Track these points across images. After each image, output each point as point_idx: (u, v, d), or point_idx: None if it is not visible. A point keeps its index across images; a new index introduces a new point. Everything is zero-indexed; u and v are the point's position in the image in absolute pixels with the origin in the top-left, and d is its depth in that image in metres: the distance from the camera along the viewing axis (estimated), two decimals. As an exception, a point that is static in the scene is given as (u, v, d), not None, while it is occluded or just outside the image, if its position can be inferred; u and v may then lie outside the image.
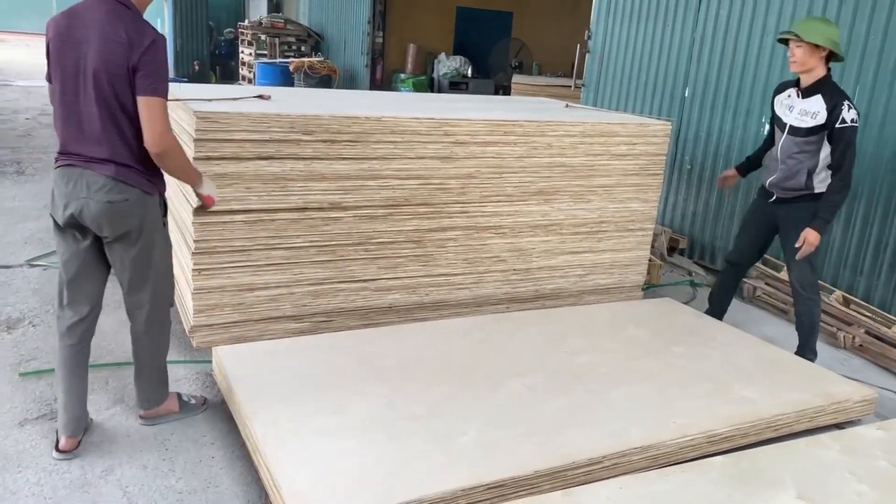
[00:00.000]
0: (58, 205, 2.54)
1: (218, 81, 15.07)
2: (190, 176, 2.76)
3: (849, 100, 3.56)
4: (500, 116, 3.95)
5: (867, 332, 4.24)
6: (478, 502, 2.39)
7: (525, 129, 3.94)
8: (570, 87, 9.20)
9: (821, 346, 4.22)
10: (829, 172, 3.64)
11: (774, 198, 3.83)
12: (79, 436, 2.70)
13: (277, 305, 3.58)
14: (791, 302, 4.56)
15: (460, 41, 13.05)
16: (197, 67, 15.38)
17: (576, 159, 4.14)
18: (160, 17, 16.56)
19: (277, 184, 3.40)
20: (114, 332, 3.59)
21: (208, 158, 3.22)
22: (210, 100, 3.56)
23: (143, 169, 2.52)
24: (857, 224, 4.51)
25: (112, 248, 2.58)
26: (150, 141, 2.43)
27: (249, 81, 12.92)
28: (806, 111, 3.62)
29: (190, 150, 3.23)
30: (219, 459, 2.74)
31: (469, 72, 12.19)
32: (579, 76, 7.43)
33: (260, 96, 3.88)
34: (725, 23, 5.37)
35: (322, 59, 12.39)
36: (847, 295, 4.48)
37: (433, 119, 3.69)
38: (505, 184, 3.97)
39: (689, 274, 5.41)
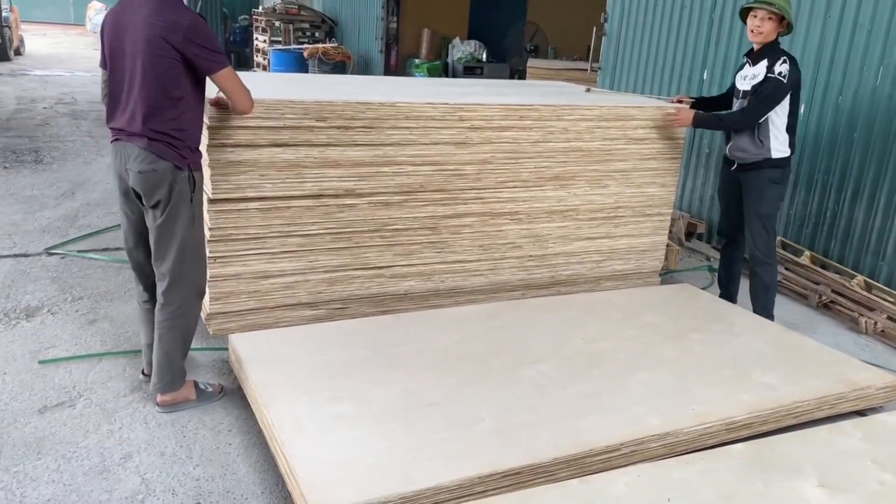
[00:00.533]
0: (114, 177, 2.84)
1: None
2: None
3: (789, 58, 3.70)
4: (515, 101, 3.91)
5: (889, 318, 4.17)
6: (495, 489, 2.38)
7: (540, 114, 3.90)
8: (587, 70, 9.10)
9: (842, 332, 4.18)
10: (787, 136, 3.79)
11: (735, 165, 3.96)
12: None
13: (293, 293, 3.58)
14: (811, 287, 4.51)
15: (475, 25, 12.94)
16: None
17: (592, 144, 4.09)
18: (175, 4, 16.58)
19: (292, 171, 3.39)
20: (132, 319, 3.60)
21: (223, 146, 3.22)
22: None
23: (174, 143, 2.67)
24: (879, 209, 4.43)
25: (147, 215, 2.78)
26: (241, 108, 2.83)
27: (264, 68, 12.91)
28: (754, 75, 3.79)
29: (204, 138, 3.23)
30: (236, 446, 2.75)
31: (484, 56, 12.11)
32: (595, 59, 7.33)
33: None
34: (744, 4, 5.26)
35: (336, 44, 12.35)
36: (869, 280, 4.41)
37: (448, 104, 3.65)
38: (521, 169, 3.94)
39: (708, 259, 5.35)
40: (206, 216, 3.31)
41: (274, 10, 13.63)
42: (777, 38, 3.79)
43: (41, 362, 3.24)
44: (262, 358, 3.03)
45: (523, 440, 2.56)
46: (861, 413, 3.20)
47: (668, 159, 4.37)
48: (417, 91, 4.31)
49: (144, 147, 2.65)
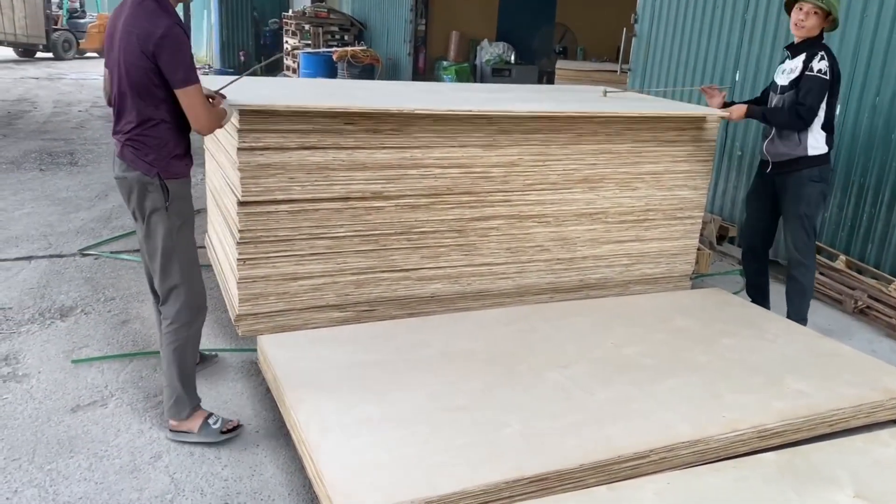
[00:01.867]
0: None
1: (262, 72, 15.22)
2: (222, 122, 2.81)
3: (828, 53, 3.60)
4: (544, 108, 3.88)
5: (929, 324, 4.07)
6: (521, 495, 2.36)
7: (570, 116, 3.86)
8: (616, 72, 9.03)
9: (879, 339, 4.08)
10: (823, 134, 3.69)
11: (770, 167, 3.87)
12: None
13: (321, 294, 3.59)
14: (847, 292, 4.42)
15: (503, 27, 12.90)
16: (242, 58, 15.58)
17: (622, 146, 4.05)
18: (206, 8, 16.80)
19: (321, 173, 3.41)
20: (162, 320, 3.65)
21: (252, 149, 3.24)
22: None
23: (144, 151, 2.58)
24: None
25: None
26: (196, 128, 2.62)
27: (294, 72, 13.02)
28: (793, 69, 3.70)
29: (234, 141, 3.26)
30: (263, 447, 2.77)
31: (512, 58, 12.06)
32: (625, 61, 7.27)
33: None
34: (778, 3, 5.17)
35: (365, 47, 12.40)
36: (907, 284, 4.30)
37: (476, 109, 3.64)
38: (549, 171, 3.91)
39: (740, 263, 5.26)
40: (235, 218, 3.34)
41: (304, 13, 13.72)
42: (821, 33, 3.68)
43: (74, 362, 3.30)
44: (290, 360, 3.05)
45: (550, 445, 2.54)
46: (898, 422, 3.13)
47: (700, 162, 4.31)
48: (445, 98, 4.30)
49: (118, 154, 2.64)
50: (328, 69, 11.69)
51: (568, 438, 2.59)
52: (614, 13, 10.09)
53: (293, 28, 13.43)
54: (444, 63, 12.18)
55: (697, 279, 4.76)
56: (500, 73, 11.68)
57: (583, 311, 3.80)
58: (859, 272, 4.57)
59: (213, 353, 3.41)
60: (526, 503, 2.25)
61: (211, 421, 2.78)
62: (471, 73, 11.98)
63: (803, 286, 3.88)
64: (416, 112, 3.47)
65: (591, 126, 3.93)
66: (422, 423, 2.64)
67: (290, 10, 14.74)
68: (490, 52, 12.02)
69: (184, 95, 2.52)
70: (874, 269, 4.54)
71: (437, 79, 11.65)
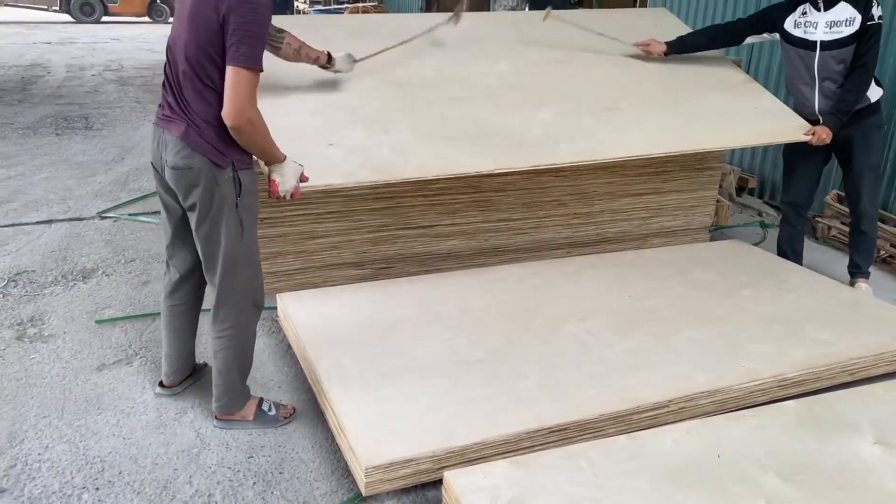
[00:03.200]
0: (152, 164, 2.46)
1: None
2: (269, 156, 2.35)
3: None
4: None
5: (953, 273, 4.02)
6: (541, 444, 2.39)
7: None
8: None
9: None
10: (873, 77, 3.52)
11: (822, 122, 3.62)
12: (178, 381, 2.81)
13: (338, 252, 3.61)
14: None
15: (517, -21, 12.63)
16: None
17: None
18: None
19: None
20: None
21: (265, 106, 3.23)
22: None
23: (215, 137, 2.24)
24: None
25: (189, 216, 2.41)
26: (226, 112, 2.16)
27: (305, 30, 12.88)
28: (836, 21, 3.46)
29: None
30: (286, 402, 2.81)
31: (526, 9, 11.82)
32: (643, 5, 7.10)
33: None
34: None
35: (376, 3, 12.22)
36: (931, 233, 4.24)
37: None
38: (565, 124, 3.86)
39: (760, 214, 5.21)
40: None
41: (314, -30, 13.54)
42: None
43: (98, 322, 3.35)
44: (309, 316, 3.08)
45: (569, 396, 2.55)
46: (920, 370, 3.11)
47: (719, 111, 4.23)
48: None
49: (180, 137, 2.25)
50: (340, 27, 11.55)
51: (587, 389, 2.60)
52: (631, -39, 9.80)
53: (303, -15, 13.25)
54: (457, 17, 11.98)
55: (716, 231, 4.72)
56: (514, 27, 11.48)
57: (601, 265, 3.79)
58: (883, 221, 4.50)
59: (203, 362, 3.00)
60: (546, 452, 2.27)
61: (265, 407, 2.65)
62: (484, 27, 11.79)
63: (873, 239, 3.81)
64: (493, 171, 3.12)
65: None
66: (441, 375, 2.66)
67: (300, -33, 14.52)
68: (504, 4, 11.79)
69: (231, 74, 2.13)
70: (897, 218, 4.47)
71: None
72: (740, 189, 5.46)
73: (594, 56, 3.69)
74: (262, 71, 2.17)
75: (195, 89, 2.23)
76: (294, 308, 3.14)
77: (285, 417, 2.67)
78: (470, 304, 3.24)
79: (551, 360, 2.79)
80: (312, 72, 3.09)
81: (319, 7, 12.55)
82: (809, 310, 3.32)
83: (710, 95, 3.57)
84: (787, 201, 3.97)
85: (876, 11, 3.40)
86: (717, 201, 4.62)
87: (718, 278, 3.64)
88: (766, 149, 5.43)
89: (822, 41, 3.51)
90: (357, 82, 3.09)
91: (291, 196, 2.44)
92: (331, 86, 3.15)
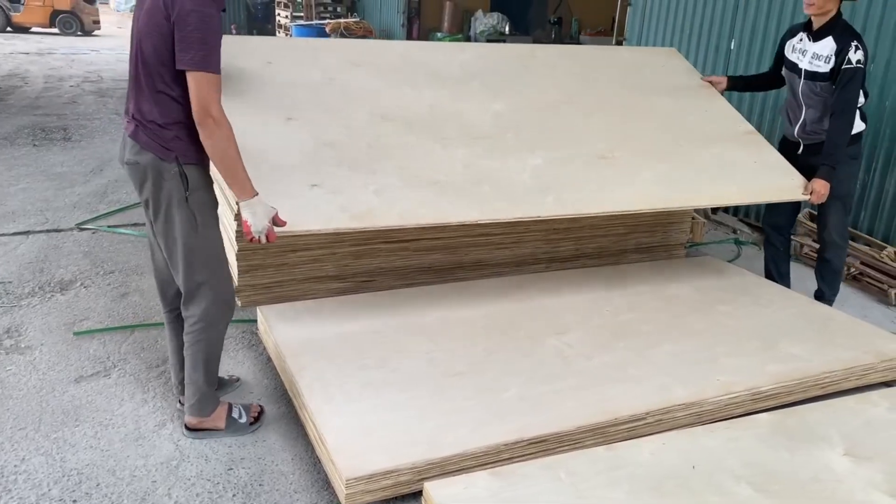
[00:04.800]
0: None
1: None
2: (235, 177, 2.33)
3: (858, 40, 3.47)
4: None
5: (920, 290, 4.12)
6: (521, 456, 2.41)
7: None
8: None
9: (870, 304, 4.14)
10: (859, 111, 3.58)
11: (802, 148, 3.74)
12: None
13: (320, 266, 3.62)
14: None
15: (498, -3, 12.80)
16: (234, 31, 15.43)
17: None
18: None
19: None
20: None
21: (249, 120, 3.24)
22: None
23: (159, 134, 2.30)
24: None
25: (146, 214, 2.48)
26: (194, 114, 2.24)
27: (286, 44, 12.91)
28: (818, 55, 3.56)
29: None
30: (266, 415, 2.80)
31: (507, 29, 11.98)
32: (620, 32, 7.24)
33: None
34: (774, -30, 5.15)
35: (358, 19, 12.30)
36: (899, 251, 4.35)
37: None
38: (545, 141, 3.91)
39: (734, 231, 5.31)
40: (229, 191, 3.33)
41: (295, -15, 13.60)
42: (839, 11, 3.53)
43: (76, 334, 3.32)
44: (290, 329, 3.08)
45: (549, 408, 2.58)
46: (889, 384, 3.18)
47: (695, 130, 4.32)
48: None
49: (131, 135, 2.35)
50: (321, 42, 11.60)
51: (566, 402, 2.63)
52: (609, -17, 10.00)
53: (285, 0, 13.30)
54: (438, 34, 12.09)
55: (692, 248, 4.80)
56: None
57: (579, 280, 3.84)
58: (853, 239, 4.60)
59: (235, 376, 3.05)
60: (526, 463, 2.29)
61: (235, 414, 2.66)
62: (465, 44, 11.90)
63: (837, 268, 3.83)
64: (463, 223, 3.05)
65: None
66: (422, 387, 2.68)
67: (282, -18, 14.57)
68: (484, 22, 11.93)
69: (190, 79, 2.21)
70: (867, 237, 4.58)
71: (431, 51, 11.56)
72: (715, 207, 5.57)
73: (596, 99, 3.52)
74: (218, 74, 2.25)
75: (147, 89, 2.31)
76: (275, 320, 3.15)
77: (255, 419, 2.69)
78: (451, 318, 3.27)
79: (532, 373, 2.83)
80: (305, 99, 2.99)
81: (301, 23, 12.59)
82: (782, 325, 3.39)
83: (710, 146, 3.41)
84: (768, 222, 4.03)
85: (854, 55, 3.42)
86: (693, 219, 4.71)
87: (694, 294, 3.71)
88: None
89: (805, 70, 3.61)
90: (351, 114, 2.95)
91: (267, 239, 2.42)
92: (323, 117, 2.99)
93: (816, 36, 3.57)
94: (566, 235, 4.17)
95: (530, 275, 3.97)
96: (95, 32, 18.01)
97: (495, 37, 11.74)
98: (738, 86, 4.18)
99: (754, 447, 2.41)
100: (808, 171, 3.69)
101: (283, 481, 2.45)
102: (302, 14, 13.09)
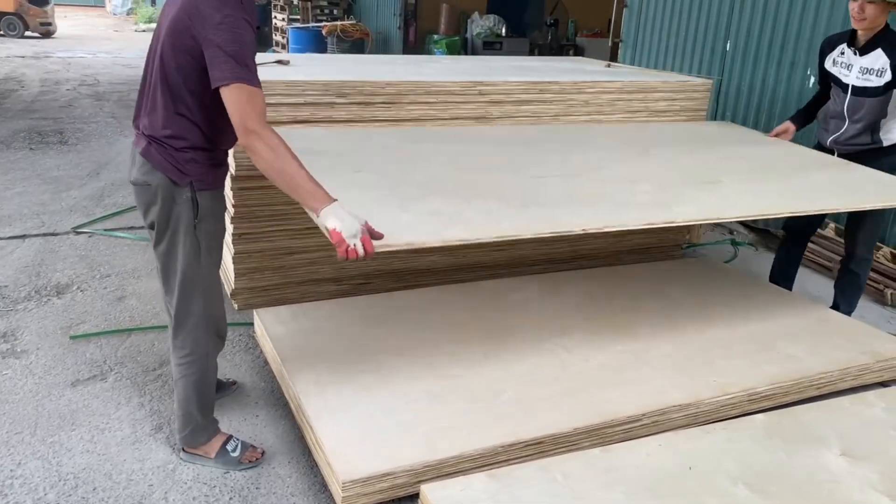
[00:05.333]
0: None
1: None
2: (302, 189, 2.08)
3: None
4: (535, 77, 3.89)
5: (916, 290, 4.13)
6: (518, 458, 2.41)
7: (561, 87, 3.87)
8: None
9: (867, 304, 4.14)
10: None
11: (836, 154, 3.65)
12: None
13: (317, 268, 3.62)
14: (836, 259, 4.46)
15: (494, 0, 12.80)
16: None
17: (614, 116, 4.07)
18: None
19: (313, 147, 3.41)
20: (159, 296, 3.66)
21: (245, 123, 3.24)
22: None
23: (175, 155, 2.18)
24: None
25: (149, 234, 2.36)
26: (238, 135, 2.06)
27: (283, 47, 12.91)
28: (869, 69, 3.41)
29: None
30: (263, 418, 2.81)
31: (503, 31, 11.98)
32: (616, 34, 7.25)
33: (279, 62, 3.90)
34: (769, -29, 5.17)
35: (354, 21, 12.31)
36: (895, 252, 4.36)
37: (468, 80, 3.64)
38: (541, 143, 3.92)
39: (731, 233, 5.32)
40: (229, 193, 3.34)
41: (292, -13, 13.58)
42: (887, 23, 3.38)
43: (72, 338, 3.32)
44: (287, 332, 3.08)
45: (545, 411, 2.59)
46: (885, 385, 3.19)
47: (691, 131, 4.33)
48: (436, 70, 4.29)
49: (142, 152, 2.21)
50: (317, 44, 11.61)
51: (563, 404, 2.64)
52: (605, -16, 10.01)
53: (281, 3, 13.30)
54: (435, 36, 12.09)
55: (689, 249, 4.81)
56: (491, 46, 11.61)
57: (576, 281, 3.84)
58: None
59: (232, 380, 3.01)
60: (522, 465, 2.29)
61: (230, 447, 2.51)
62: (461, 46, 11.91)
63: (861, 283, 3.73)
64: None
65: (582, 97, 3.94)
66: (419, 390, 2.68)
67: (278, -15, 14.57)
68: (481, 24, 11.93)
69: (227, 94, 2.03)
70: (863, 237, 4.58)
71: (428, 52, 11.58)
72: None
73: (676, 151, 3.54)
74: (257, 87, 2.06)
75: (164, 109, 2.17)
76: (272, 323, 3.15)
77: (250, 461, 2.51)
78: (448, 320, 3.27)
79: (529, 375, 2.83)
80: (369, 160, 2.91)
81: (297, 25, 12.58)
82: (778, 326, 3.39)
83: (810, 173, 3.31)
84: (790, 225, 3.92)
85: None
86: (690, 219, 4.71)
87: (691, 295, 3.71)
88: (736, 168, 5.55)
89: (853, 86, 3.48)
90: (422, 164, 2.91)
91: (366, 252, 2.04)
92: (392, 168, 2.90)
93: (863, 49, 3.43)
94: (562, 237, 4.17)
95: (527, 276, 3.96)
96: (55, 35, 17.74)
97: (492, 38, 11.74)
98: (805, 122, 3.93)
99: (751, 448, 2.41)
100: None
101: (280, 484, 2.45)
102: (298, 17, 13.08)
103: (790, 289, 4.00)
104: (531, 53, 11.74)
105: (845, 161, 3.56)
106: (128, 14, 24.32)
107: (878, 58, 3.38)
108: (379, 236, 2.10)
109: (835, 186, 3.20)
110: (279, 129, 3.25)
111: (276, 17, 13.69)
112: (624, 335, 3.21)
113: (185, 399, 2.44)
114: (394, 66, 4.30)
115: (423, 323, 3.23)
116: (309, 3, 13.10)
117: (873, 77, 3.40)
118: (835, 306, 3.77)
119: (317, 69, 3.85)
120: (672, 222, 2.61)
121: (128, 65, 13.04)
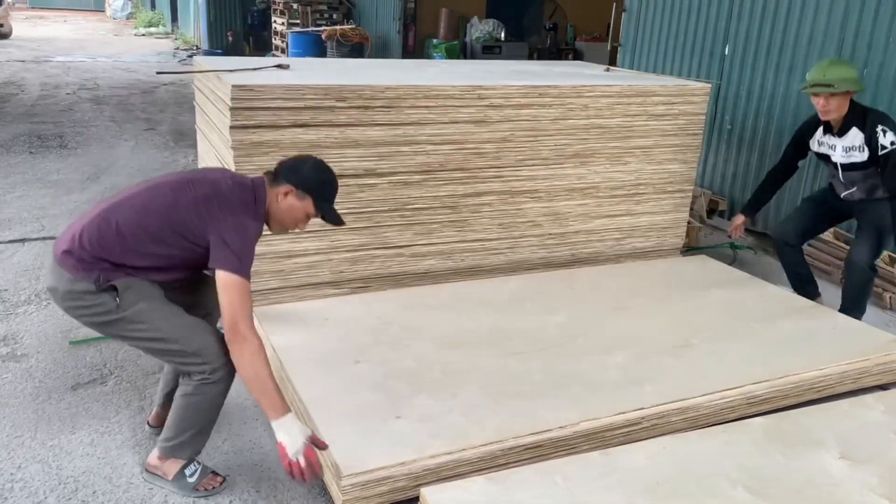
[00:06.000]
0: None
1: (251, 51, 15.13)
2: (266, 395, 2.17)
3: (881, 121, 3.50)
4: (534, 81, 3.90)
5: (914, 293, 4.13)
6: (516, 462, 2.42)
7: (560, 91, 3.88)
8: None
9: (867, 307, 4.14)
10: None
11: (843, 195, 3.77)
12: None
13: (316, 272, 3.63)
14: (835, 263, 4.47)
15: (493, 4, 12.81)
16: (230, 38, 15.44)
17: (613, 120, 4.08)
18: (193, -12, 16.62)
19: (313, 151, 3.40)
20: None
21: (245, 127, 3.26)
22: (232, 70, 3.58)
23: (90, 261, 2.26)
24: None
25: None
26: (224, 324, 2.19)
27: (282, 51, 12.93)
28: (850, 147, 3.58)
29: (227, 119, 3.27)
30: (262, 421, 2.80)
31: (502, 35, 12.00)
32: (615, 38, 7.27)
33: (279, 66, 3.91)
34: (768, -24, 5.18)
35: (354, 26, 12.33)
36: (893, 255, 4.37)
37: (467, 84, 3.65)
38: (540, 147, 3.94)
39: (729, 236, 5.31)
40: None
41: (291, -8, 13.60)
42: (852, 103, 3.55)
43: (72, 343, 3.32)
44: (285, 333, 3.09)
45: (544, 414, 2.59)
46: (884, 387, 3.19)
47: (690, 135, 4.34)
48: (436, 74, 4.31)
49: (58, 261, 2.32)
50: (317, 48, 11.62)
51: (561, 407, 2.64)
52: (604, -11, 10.04)
53: (281, 7, 13.31)
54: (434, 41, 12.11)
55: (688, 252, 4.81)
56: (490, 51, 11.63)
57: (574, 280, 3.85)
58: (847, 243, 4.62)
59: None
60: (521, 468, 2.30)
61: (188, 472, 2.41)
62: (461, 50, 11.92)
63: (854, 293, 3.77)
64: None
65: (581, 101, 3.95)
66: (417, 393, 2.69)
67: (278, -11, 14.60)
68: (480, 29, 11.96)
69: (223, 278, 2.17)
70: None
71: (427, 56, 11.60)
72: (711, 211, 5.59)
73: (651, 301, 3.61)
74: (248, 281, 2.21)
75: (122, 244, 2.24)
76: (270, 324, 3.15)
77: (206, 489, 2.41)
78: (448, 321, 3.28)
79: (527, 377, 2.83)
80: (368, 343, 3.02)
81: (297, 30, 12.59)
82: (778, 327, 3.40)
83: (782, 322, 3.43)
84: (778, 237, 4.02)
85: (885, 139, 3.44)
86: (689, 223, 4.72)
87: (689, 294, 3.72)
88: (735, 172, 5.57)
89: (841, 163, 3.63)
90: (413, 349, 2.99)
91: (313, 470, 2.14)
92: (390, 354, 2.97)
93: (839, 132, 3.60)
94: (561, 241, 4.19)
95: (527, 276, 3.96)
96: (13, 37, 17.59)
97: (491, 43, 11.77)
98: (755, 209, 4.13)
99: (750, 451, 2.42)
100: (848, 211, 3.82)
101: (280, 488, 2.45)
102: (298, 21, 13.09)
103: (816, 289, 3.99)
104: (530, 57, 11.76)
105: (815, 305, 3.72)
106: (127, 18, 24.34)
107: (855, 136, 3.56)
108: (323, 446, 2.23)
109: (801, 340, 3.28)
110: (280, 134, 3.30)
111: (275, 22, 13.71)
112: (621, 336, 3.22)
113: (181, 418, 2.36)
114: (393, 71, 4.31)
115: (422, 322, 3.24)
116: (308, 7, 13.11)
117: (856, 153, 3.58)
118: (846, 310, 3.79)
119: (316, 73, 3.88)
120: (641, 408, 2.67)
121: (127, 69, 13.06)
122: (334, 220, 2.50)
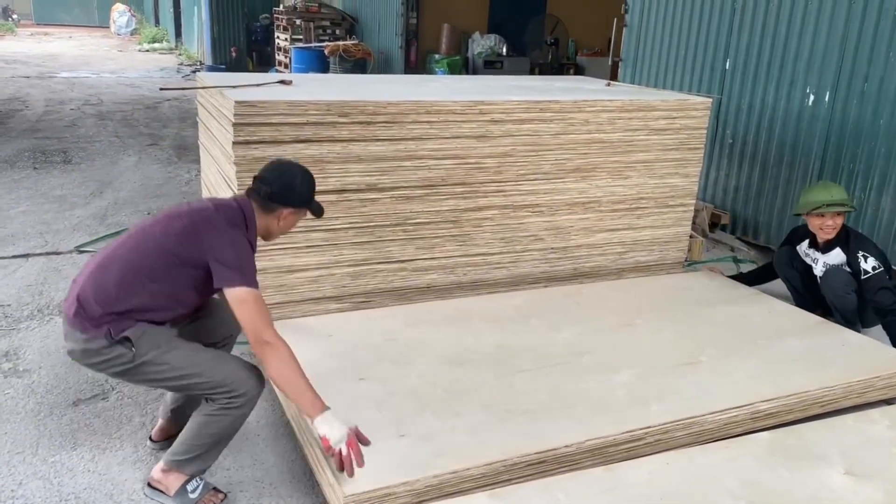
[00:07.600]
0: None
1: (255, 67, 15.22)
2: (302, 396, 2.23)
3: (863, 248, 3.65)
4: (535, 96, 3.91)
5: (918, 307, 4.12)
6: (519, 478, 2.40)
7: (561, 106, 3.90)
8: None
9: (869, 321, 4.13)
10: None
11: None
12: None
13: (318, 287, 3.63)
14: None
15: (495, 19, 12.91)
16: (234, 54, 15.55)
17: (614, 135, 4.09)
18: (197, 4, 16.75)
19: (315, 166, 3.41)
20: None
21: (247, 142, 3.27)
22: (235, 86, 3.60)
23: (99, 315, 2.29)
24: (907, 195, 4.37)
25: None
26: (250, 340, 2.24)
27: (285, 66, 13.00)
28: (832, 264, 3.76)
29: (229, 135, 3.28)
30: (264, 437, 2.80)
31: (504, 50, 12.07)
32: (616, 53, 7.30)
33: (282, 82, 3.94)
34: (767, -9, 5.21)
35: (357, 41, 12.41)
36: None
37: (469, 99, 3.67)
38: (542, 161, 3.95)
39: (732, 250, 5.32)
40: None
41: (295, 8, 13.71)
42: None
43: (74, 359, 3.31)
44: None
45: (547, 430, 2.57)
46: (889, 402, 3.18)
47: (691, 150, 4.35)
48: (437, 89, 4.33)
49: (71, 320, 2.36)
50: (320, 64, 11.69)
51: (565, 422, 2.63)
52: (605, 4, 10.10)
53: (284, 23, 13.41)
54: (436, 56, 12.18)
55: (690, 266, 4.81)
56: (492, 66, 11.69)
57: (577, 295, 3.84)
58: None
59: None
60: (524, 485, 2.28)
61: (190, 487, 2.41)
62: (463, 65, 11.99)
63: (841, 320, 3.80)
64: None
65: (582, 115, 3.97)
66: (421, 409, 2.68)
67: (281, 6, 14.73)
68: (482, 44, 12.03)
69: (232, 296, 2.22)
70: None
71: (430, 72, 11.67)
72: (713, 225, 5.59)
73: (656, 317, 3.61)
74: (258, 289, 2.26)
75: (131, 286, 2.27)
76: (273, 342, 3.14)
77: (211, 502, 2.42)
78: (453, 338, 3.27)
79: (533, 397, 2.82)
80: (372, 360, 3.03)
81: (300, 45, 12.68)
82: (781, 341, 3.39)
83: (789, 339, 3.43)
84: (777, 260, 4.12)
85: (866, 265, 3.61)
86: (691, 237, 4.72)
87: (692, 309, 3.71)
88: (737, 186, 5.58)
89: (821, 276, 3.81)
90: (417, 367, 2.99)
91: (355, 459, 2.18)
92: (393, 372, 2.97)
93: (824, 249, 3.78)
94: (563, 255, 4.19)
95: (533, 293, 3.96)
96: (18, 53, 17.50)
97: (493, 58, 11.83)
98: (746, 281, 4.25)
99: (753, 466, 2.40)
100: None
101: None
102: (301, 37, 13.19)
103: (813, 303, 4.00)
104: (532, 72, 11.82)
105: (822, 321, 3.73)
106: (131, 34, 24.51)
107: (838, 255, 3.74)
108: (366, 441, 2.27)
109: (809, 357, 3.26)
110: (282, 149, 3.31)
111: (278, 38, 13.80)
112: (625, 350, 3.21)
113: (197, 434, 2.36)
114: (395, 86, 4.34)
115: (424, 339, 3.23)
116: (311, 23, 13.21)
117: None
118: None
119: (319, 89, 3.90)
120: (648, 427, 2.65)
121: (131, 84, 13.14)
122: (321, 212, 2.62)
